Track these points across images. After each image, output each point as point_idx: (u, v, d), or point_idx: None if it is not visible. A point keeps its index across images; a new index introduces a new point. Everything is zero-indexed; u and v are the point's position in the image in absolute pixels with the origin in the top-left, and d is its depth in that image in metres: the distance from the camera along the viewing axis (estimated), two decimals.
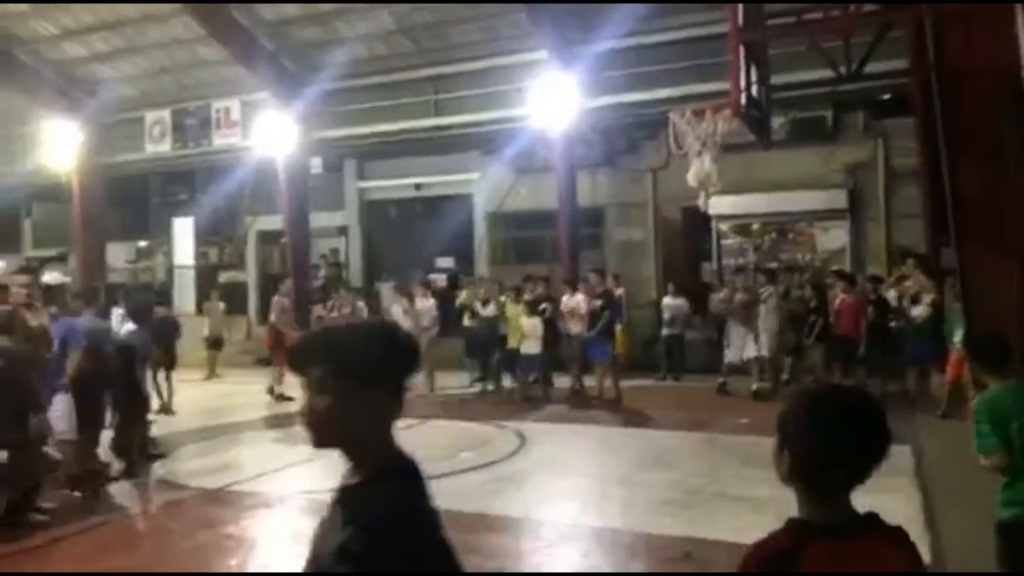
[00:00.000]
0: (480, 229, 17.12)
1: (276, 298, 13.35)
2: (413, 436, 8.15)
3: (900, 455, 7.78)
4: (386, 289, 14.67)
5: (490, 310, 12.55)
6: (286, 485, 7.28)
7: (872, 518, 1.54)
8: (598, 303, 11.44)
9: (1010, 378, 3.62)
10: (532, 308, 11.74)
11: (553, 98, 13.70)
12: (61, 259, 20.12)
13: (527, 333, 11.63)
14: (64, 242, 19.75)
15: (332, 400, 1.46)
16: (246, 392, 12.98)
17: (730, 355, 11.39)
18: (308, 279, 17.17)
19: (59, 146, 17.52)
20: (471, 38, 14.77)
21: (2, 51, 17.04)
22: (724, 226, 15.05)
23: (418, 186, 17.64)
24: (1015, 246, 7.53)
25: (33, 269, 8.02)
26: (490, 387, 12.43)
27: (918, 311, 10.28)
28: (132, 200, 20.38)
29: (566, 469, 7.83)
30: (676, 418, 10.13)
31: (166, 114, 17.71)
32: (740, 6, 6.68)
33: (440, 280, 16.30)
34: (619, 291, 12.72)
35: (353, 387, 1.46)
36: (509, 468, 7.79)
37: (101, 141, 17.92)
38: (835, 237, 14.41)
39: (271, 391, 12.16)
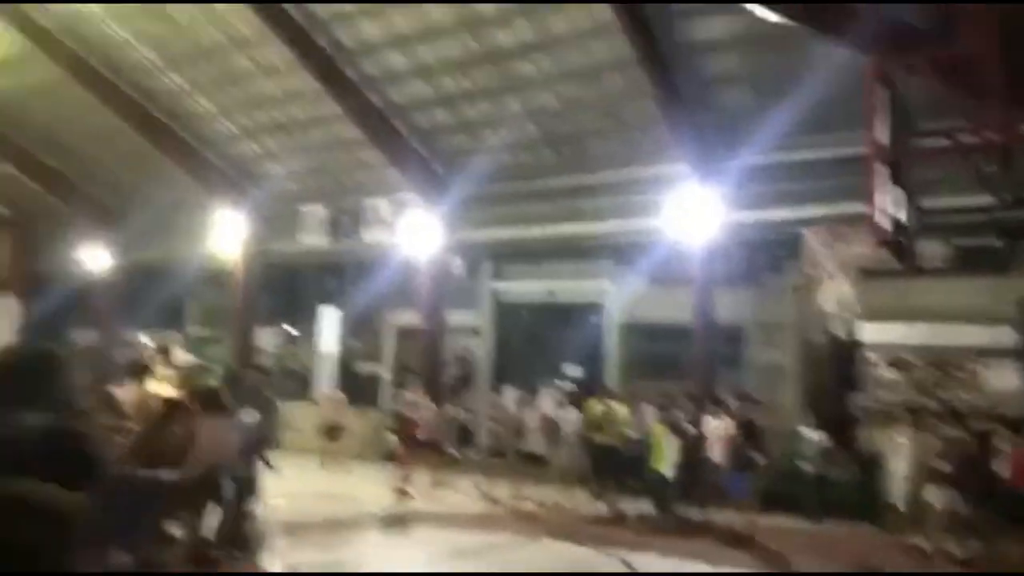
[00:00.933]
0: (611, 339, 16.70)
1: (404, 393, 13.46)
2: (516, 556, 7.77)
3: None
4: (509, 393, 14.46)
5: (634, 430, 11.96)
6: None
7: None
8: (735, 431, 10.74)
9: None
10: (676, 429, 11.13)
11: (692, 211, 13.38)
12: (217, 340, 21.42)
13: (668, 455, 10.98)
14: (223, 323, 21.05)
15: None
16: (362, 485, 12.99)
17: None
18: (440, 376, 17.29)
19: (226, 234, 18.93)
20: (611, 149, 14.81)
21: (190, 148, 18.89)
22: (874, 356, 13.83)
23: (551, 291, 17.56)
24: None
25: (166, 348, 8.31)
26: (616, 508, 11.74)
27: None
28: (286, 288, 21.56)
29: None
30: (809, 565, 9.10)
31: (323, 209, 18.78)
32: (882, 125, 6.18)
33: (569, 389, 15.94)
34: (761, 419, 11.98)
35: None
36: None
37: (263, 231, 19.22)
38: (1006, 378, 12.85)
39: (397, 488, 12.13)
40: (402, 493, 12.07)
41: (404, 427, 13.04)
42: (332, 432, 15.42)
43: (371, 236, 18.02)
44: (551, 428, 12.73)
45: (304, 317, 21.47)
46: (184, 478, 1.98)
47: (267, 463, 9.75)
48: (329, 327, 20.99)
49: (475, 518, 11.19)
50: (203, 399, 1.95)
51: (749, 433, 10.83)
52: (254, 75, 16.32)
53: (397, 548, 9.38)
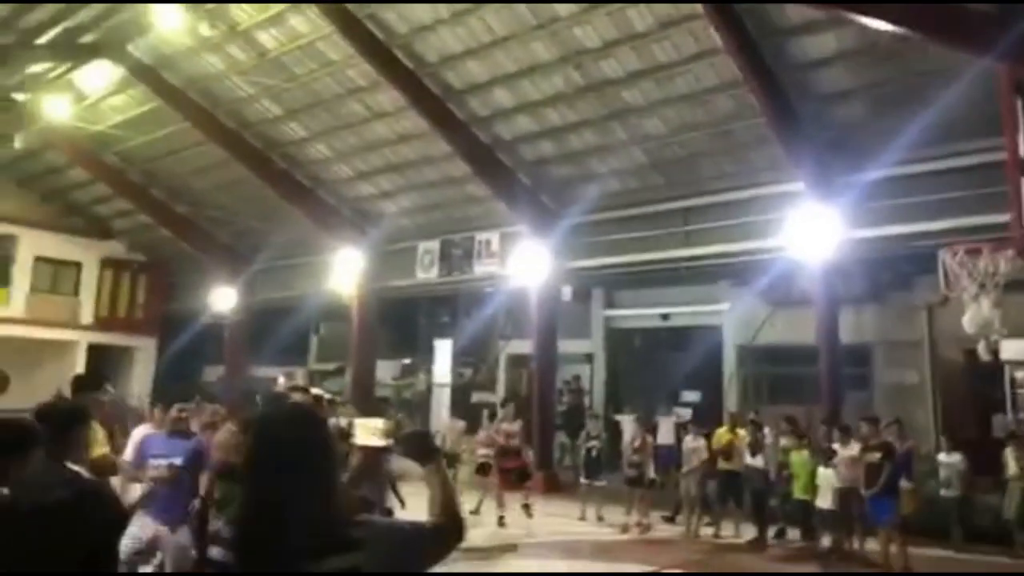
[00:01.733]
0: (729, 363, 16.39)
1: (501, 423, 13.32)
2: None
3: None
4: (626, 419, 14.31)
5: (759, 460, 11.65)
6: None
7: None
8: (876, 456, 10.28)
9: None
10: (819, 454, 10.77)
11: (811, 229, 13.02)
12: (339, 372, 22.24)
13: (822, 484, 10.61)
14: (342, 357, 21.86)
15: None
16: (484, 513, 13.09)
17: None
18: (552, 404, 17.41)
19: (345, 272, 19.69)
20: (722, 170, 14.65)
21: (310, 192, 19.84)
22: (1020, 373, 13.03)
23: (665, 316, 17.43)
24: None
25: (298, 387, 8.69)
26: (754, 537, 11.44)
27: None
28: (401, 321, 22.22)
29: None
30: None
31: (435, 244, 19.30)
32: (1018, 134, 5.91)
33: (687, 415, 15.68)
34: (908, 443, 11.56)
35: None
36: None
37: (379, 267, 19.89)
38: None
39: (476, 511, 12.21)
40: (501, 520, 12.06)
41: (500, 457, 12.91)
42: (452, 461, 15.59)
43: (482, 268, 18.37)
44: (671, 455, 12.52)
45: (420, 349, 22.07)
46: (443, 525, 1.91)
47: (400, 497, 10.07)
48: (443, 358, 21.49)
49: (598, 547, 11.13)
50: (414, 446, 1.94)
51: (889, 457, 10.31)
52: (367, 120, 17.02)
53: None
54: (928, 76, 11.25)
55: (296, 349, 23.90)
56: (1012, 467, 10.88)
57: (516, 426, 13.25)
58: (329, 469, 1.80)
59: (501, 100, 15.31)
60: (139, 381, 24.41)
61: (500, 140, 16.17)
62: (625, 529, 12.15)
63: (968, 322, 8.33)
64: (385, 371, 21.77)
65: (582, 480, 13.31)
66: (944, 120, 11.29)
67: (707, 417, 14.34)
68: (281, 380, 14.53)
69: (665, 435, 15.00)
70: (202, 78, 17.69)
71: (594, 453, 12.99)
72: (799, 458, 10.99)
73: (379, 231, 19.79)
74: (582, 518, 12.94)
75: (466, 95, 15.46)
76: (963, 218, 11.55)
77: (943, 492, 11.71)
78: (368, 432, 2.12)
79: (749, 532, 11.64)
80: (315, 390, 9.33)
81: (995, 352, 9.37)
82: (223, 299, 23.03)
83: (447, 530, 1.97)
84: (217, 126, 18.62)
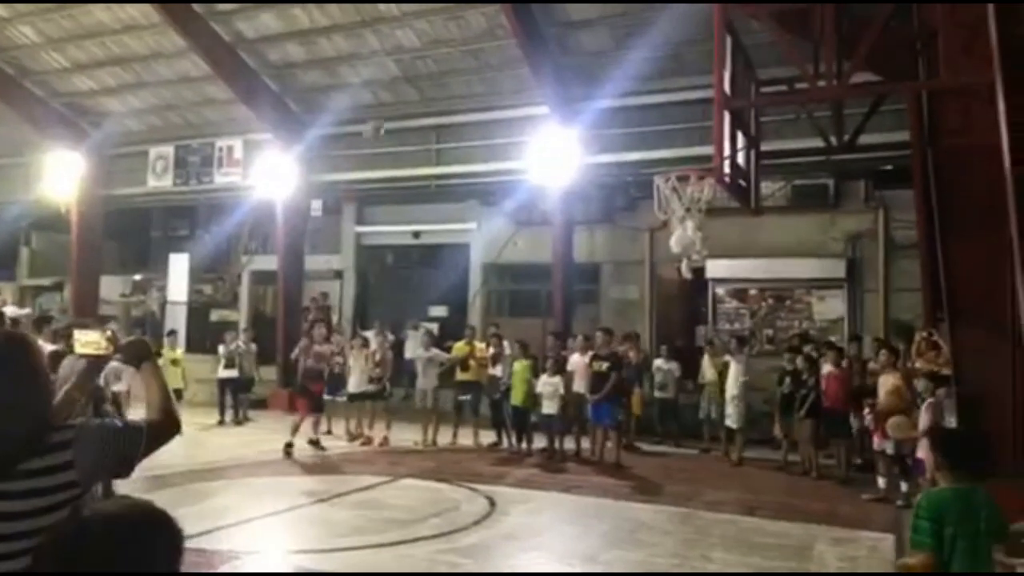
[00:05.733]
0: (476, 279, 16.92)
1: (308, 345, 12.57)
2: (381, 496, 7.80)
3: (884, 543, 7.40)
4: (372, 335, 14.23)
5: (499, 370, 12.21)
6: (237, 542, 6.97)
7: None
8: (605, 365, 11.14)
9: (963, 482, 3.44)
10: (558, 367, 11.40)
11: (552, 153, 13.61)
12: (57, 288, 20.03)
13: (547, 393, 11.26)
14: (61, 272, 19.67)
15: None
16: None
17: None
18: (298, 322, 16.95)
19: (61, 176, 17.50)
20: (474, 90, 14.78)
21: (12, 82, 17.21)
22: (720, 289, 14.78)
23: (416, 234, 17.48)
24: (1010, 330, 7.27)
25: None
26: (482, 444, 12.08)
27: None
28: (131, 234, 20.34)
29: (530, 543, 7.44)
30: (659, 489, 9.78)
31: (170, 150, 17.75)
32: (727, 74, 6.51)
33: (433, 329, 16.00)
34: (632, 353, 12.59)
35: None
36: (471, 538, 7.42)
37: (103, 173, 17.94)
38: (833, 306, 14.11)
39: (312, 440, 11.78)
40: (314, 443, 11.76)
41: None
42: (246, 386, 14.76)
43: (223, 178, 17.25)
44: (416, 369, 12.79)
45: (153, 264, 20.40)
46: (157, 420, 2.22)
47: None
48: (179, 274, 20.02)
49: (341, 460, 11.21)
50: (133, 351, 2.25)
51: (615, 366, 11.26)
52: (83, 2, 14.98)
53: (258, 495, 9.23)
54: (662, 12, 11.99)
55: (3, 262, 21.11)
56: (709, 373, 12.32)
57: (327, 348, 12.52)
58: (29, 386, 1.96)
59: None
60: None
61: (242, 38, 15.02)
62: (367, 442, 12.33)
63: (674, 243, 9.22)
64: (112, 287, 19.90)
65: (326, 396, 13.20)
66: (673, 55, 12.21)
67: (453, 332, 14.80)
68: None
69: (412, 350, 15.24)
70: None
71: (336, 369, 12.92)
72: (520, 367, 11.71)
73: (103, 132, 17.77)
74: (328, 432, 12.91)
75: None
76: (684, 148, 12.66)
77: (657, 394, 13.12)
78: (87, 344, 2.27)
79: (488, 439, 12.32)
80: (7, 309, 8.34)
81: (696, 271, 10.50)
82: None
83: (163, 424, 2.20)
84: None
